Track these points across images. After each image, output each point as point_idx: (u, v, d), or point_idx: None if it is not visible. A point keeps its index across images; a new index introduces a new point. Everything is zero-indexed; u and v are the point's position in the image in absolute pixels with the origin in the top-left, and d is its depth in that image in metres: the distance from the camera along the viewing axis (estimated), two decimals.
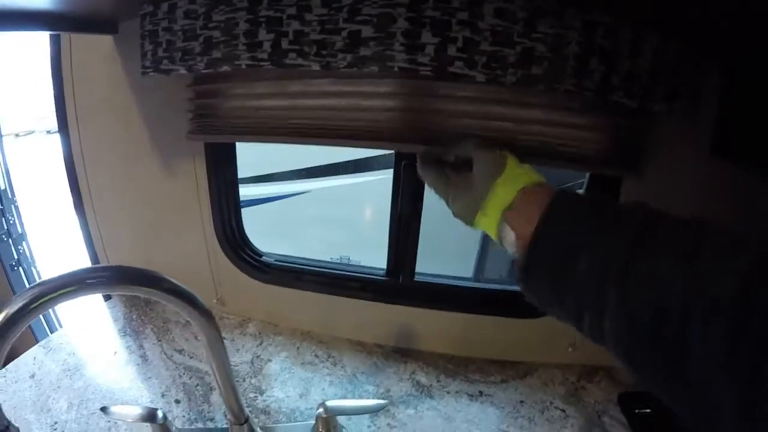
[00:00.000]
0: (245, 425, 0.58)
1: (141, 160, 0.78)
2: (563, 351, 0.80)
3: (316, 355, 0.81)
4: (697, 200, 0.65)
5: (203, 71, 0.54)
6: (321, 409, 0.58)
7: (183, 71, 0.56)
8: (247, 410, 0.58)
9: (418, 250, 0.80)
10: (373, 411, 0.65)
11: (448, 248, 1.04)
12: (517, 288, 0.71)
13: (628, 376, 0.79)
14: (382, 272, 0.83)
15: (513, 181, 0.41)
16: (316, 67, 0.51)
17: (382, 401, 0.62)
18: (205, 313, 0.47)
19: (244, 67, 0.53)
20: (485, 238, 1.42)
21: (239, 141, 0.77)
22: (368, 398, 0.72)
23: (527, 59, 0.47)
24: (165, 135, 0.76)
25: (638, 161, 0.63)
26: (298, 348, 0.83)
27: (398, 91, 0.60)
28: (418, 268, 0.82)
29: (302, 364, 0.79)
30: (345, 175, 1.87)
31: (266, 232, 1.00)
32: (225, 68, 0.54)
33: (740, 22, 0.43)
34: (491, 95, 0.58)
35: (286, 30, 0.50)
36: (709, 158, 0.62)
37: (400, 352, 0.83)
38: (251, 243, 0.87)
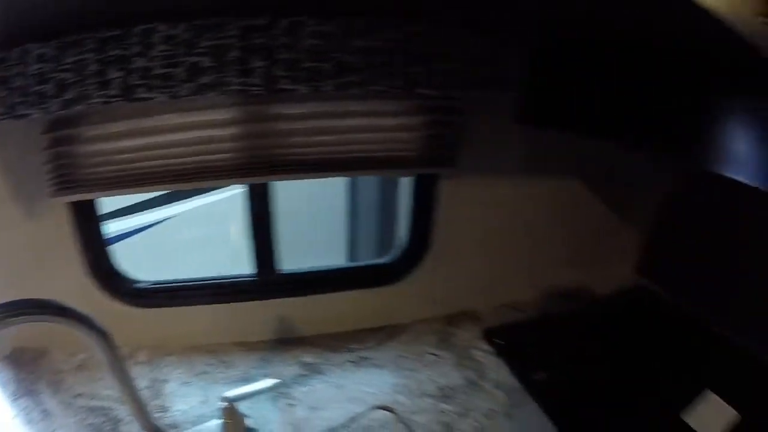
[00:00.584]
0: None
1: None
2: (427, 306, 0.98)
3: (208, 364, 0.87)
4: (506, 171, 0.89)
5: (58, 113, 0.62)
6: (224, 402, 0.66)
7: (38, 114, 0.62)
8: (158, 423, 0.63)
9: (289, 250, 0.92)
10: (270, 390, 0.74)
11: (317, 242, 1.15)
12: (376, 260, 0.87)
13: (489, 314, 1.01)
14: (251, 274, 0.92)
15: None
16: (163, 98, 0.61)
17: (276, 380, 0.72)
18: (101, 332, 0.52)
19: (96, 105, 0.61)
20: (353, 223, 1.52)
21: (102, 196, 0.80)
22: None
23: (342, 69, 0.64)
24: (22, 178, 0.77)
25: (452, 154, 0.82)
26: (190, 362, 0.88)
27: (238, 117, 0.72)
28: (291, 267, 0.94)
29: (197, 375, 0.85)
30: (208, 194, 1.90)
31: (146, 263, 1.03)
32: (79, 108, 0.62)
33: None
34: (317, 109, 0.73)
35: (133, 67, 0.61)
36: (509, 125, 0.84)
37: (284, 342, 0.92)
38: (123, 272, 0.90)
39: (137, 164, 0.72)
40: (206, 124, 0.70)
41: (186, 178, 0.73)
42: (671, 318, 0.98)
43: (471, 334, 0.96)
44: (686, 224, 0.99)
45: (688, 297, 1.02)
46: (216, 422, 0.71)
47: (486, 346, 0.93)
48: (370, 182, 1.50)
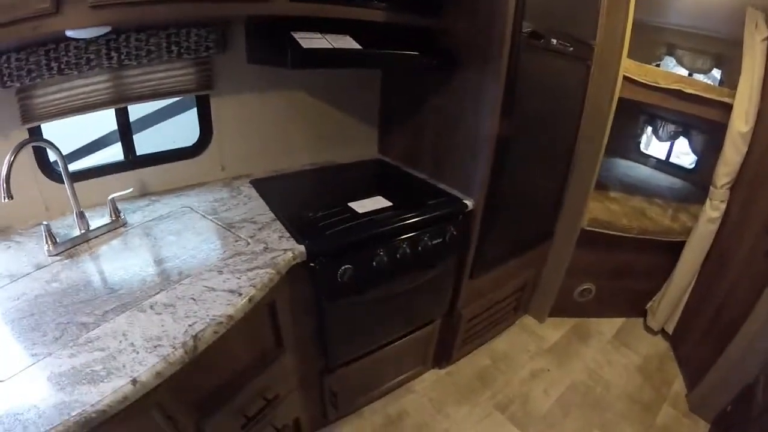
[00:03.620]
0: None
1: None
2: (219, 171, 2.09)
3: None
4: (251, 89, 2.00)
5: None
6: (109, 198, 1.71)
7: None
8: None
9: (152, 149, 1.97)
10: (129, 194, 1.80)
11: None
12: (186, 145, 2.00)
13: (260, 175, 2.12)
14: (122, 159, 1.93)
15: None
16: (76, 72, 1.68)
17: (131, 188, 1.79)
18: None
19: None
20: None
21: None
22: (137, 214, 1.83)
23: (149, 52, 1.72)
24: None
25: (212, 82, 1.94)
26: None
27: (111, 76, 1.73)
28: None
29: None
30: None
31: None
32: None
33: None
34: (145, 71, 1.77)
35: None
36: (247, 64, 1.95)
37: (145, 195, 1.92)
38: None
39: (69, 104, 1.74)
40: (96, 83, 1.73)
41: (93, 108, 1.75)
42: (389, 168, 2.33)
43: (243, 182, 2.08)
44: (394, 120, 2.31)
45: (400, 160, 2.33)
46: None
47: (249, 186, 2.05)
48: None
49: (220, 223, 1.64)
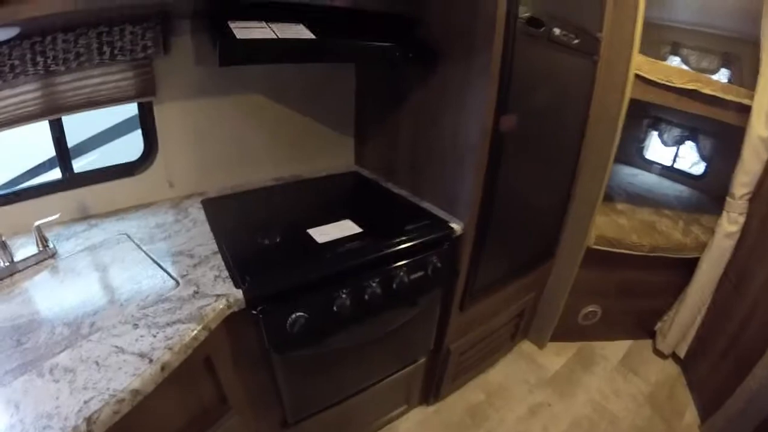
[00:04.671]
0: None
1: None
2: (167, 189, 1.87)
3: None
4: (203, 94, 1.77)
5: None
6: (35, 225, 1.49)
7: None
8: None
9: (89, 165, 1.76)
10: (54, 221, 1.58)
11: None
12: (128, 160, 1.77)
13: (215, 193, 1.89)
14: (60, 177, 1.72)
15: None
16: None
17: (58, 215, 1.57)
18: None
19: None
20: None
21: None
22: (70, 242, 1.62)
23: (78, 56, 1.49)
24: None
25: (153, 88, 1.71)
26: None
27: (41, 84, 1.51)
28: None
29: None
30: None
31: None
32: None
33: None
34: (77, 77, 1.57)
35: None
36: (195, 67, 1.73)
37: (85, 218, 1.72)
38: None
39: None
40: (24, 92, 1.50)
41: (24, 121, 1.52)
42: (364, 184, 2.13)
43: (193, 201, 1.86)
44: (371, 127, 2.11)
45: (378, 173, 2.13)
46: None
47: (199, 207, 1.82)
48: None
49: (152, 256, 1.44)
